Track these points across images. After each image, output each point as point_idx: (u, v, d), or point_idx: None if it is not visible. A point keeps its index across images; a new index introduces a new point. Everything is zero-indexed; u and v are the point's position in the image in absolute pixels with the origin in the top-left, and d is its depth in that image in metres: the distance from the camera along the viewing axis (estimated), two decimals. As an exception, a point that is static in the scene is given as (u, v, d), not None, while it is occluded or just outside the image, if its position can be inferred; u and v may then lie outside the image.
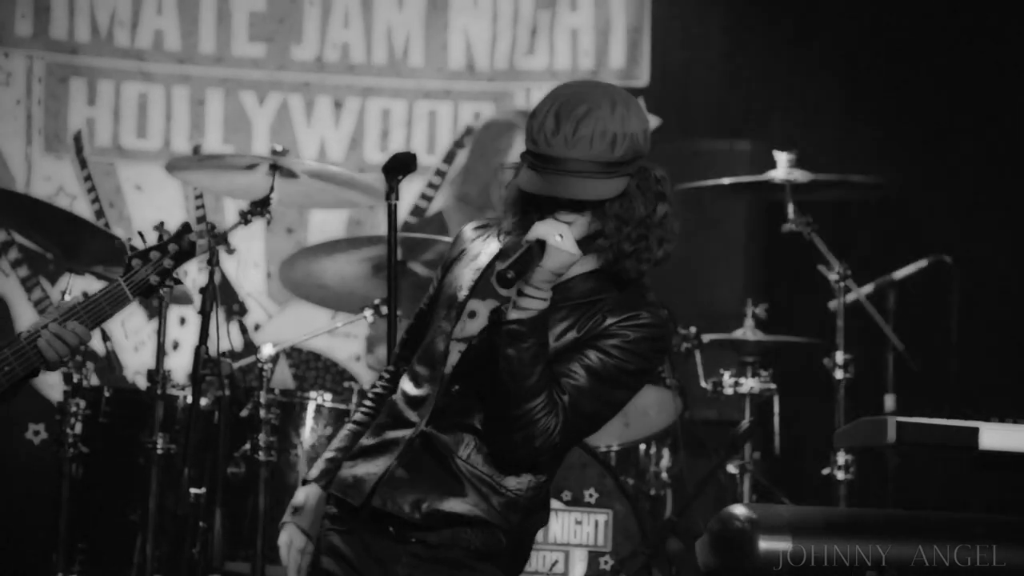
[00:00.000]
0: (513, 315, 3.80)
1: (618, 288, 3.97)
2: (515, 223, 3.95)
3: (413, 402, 4.06)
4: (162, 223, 4.85)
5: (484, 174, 8.21)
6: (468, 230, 4.21)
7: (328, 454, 4.25)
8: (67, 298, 6.52)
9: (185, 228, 4.83)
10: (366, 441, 4.11)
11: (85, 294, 4.99)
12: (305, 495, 4.22)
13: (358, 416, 4.28)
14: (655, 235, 3.93)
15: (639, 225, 3.89)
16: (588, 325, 3.95)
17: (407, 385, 4.10)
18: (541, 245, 3.76)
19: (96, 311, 4.61)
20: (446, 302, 4.08)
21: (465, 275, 4.07)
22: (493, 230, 4.14)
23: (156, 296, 4.86)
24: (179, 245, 4.76)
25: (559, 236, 3.76)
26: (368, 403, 4.29)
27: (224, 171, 7.14)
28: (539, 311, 3.81)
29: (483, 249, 4.10)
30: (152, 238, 4.83)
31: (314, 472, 4.22)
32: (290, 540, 4.21)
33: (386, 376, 4.34)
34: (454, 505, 3.97)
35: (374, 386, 4.34)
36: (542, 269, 3.77)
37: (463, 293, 4.03)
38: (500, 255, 3.98)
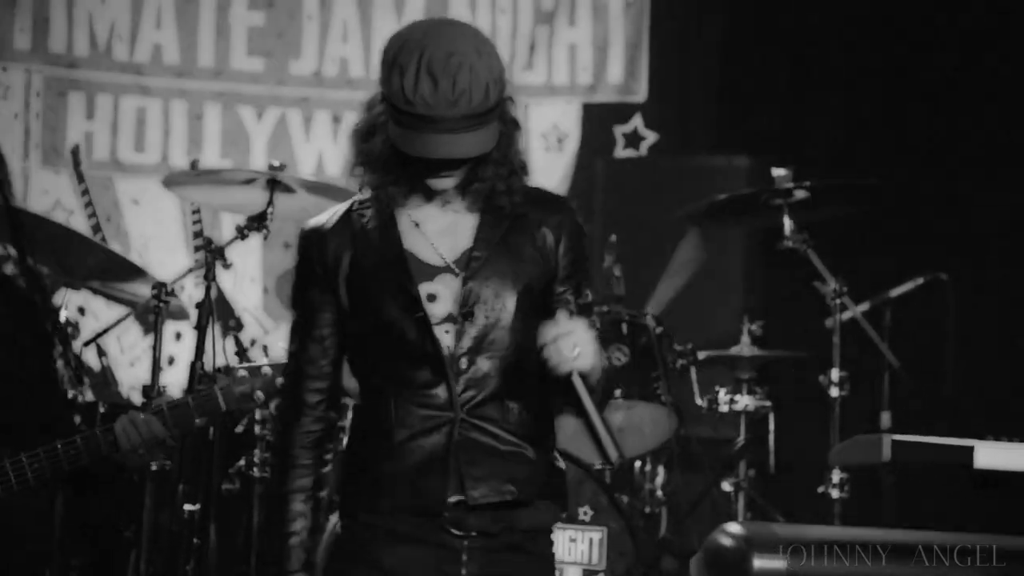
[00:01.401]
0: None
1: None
2: (379, 181, 3.86)
3: (425, 399, 3.88)
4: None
5: None
6: (317, 233, 3.98)
7: (295, 539, 3.96)
8: (64, 313, 6.54)
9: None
10: (397, 462, 3.90)
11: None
12: None
13: (300, 483, 3.99)
14: (519, 164, 3.90)
15: (509, 161, 3.88)
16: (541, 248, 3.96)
17: (400, 391, 3.90)
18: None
19: (181, 417, 4.72)
20: (384, 298, 3.88)
21: (385, 267, 3.90)
22: (346, 215, 3.97)
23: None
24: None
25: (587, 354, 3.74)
26: (306, 458, 3.99)
27: (221, 186, 7.14)
28: None
29: (376, 236, 3.93)
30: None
31: (295, 564, 3.95)
32: None
33: (311, 417, 4.00)
34: (519, 484, 3.88)
35: (301, 432, 3.99)
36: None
37: (409, 282, 3.88)
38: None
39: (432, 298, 3.87)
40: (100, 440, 4.62)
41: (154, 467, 6.62)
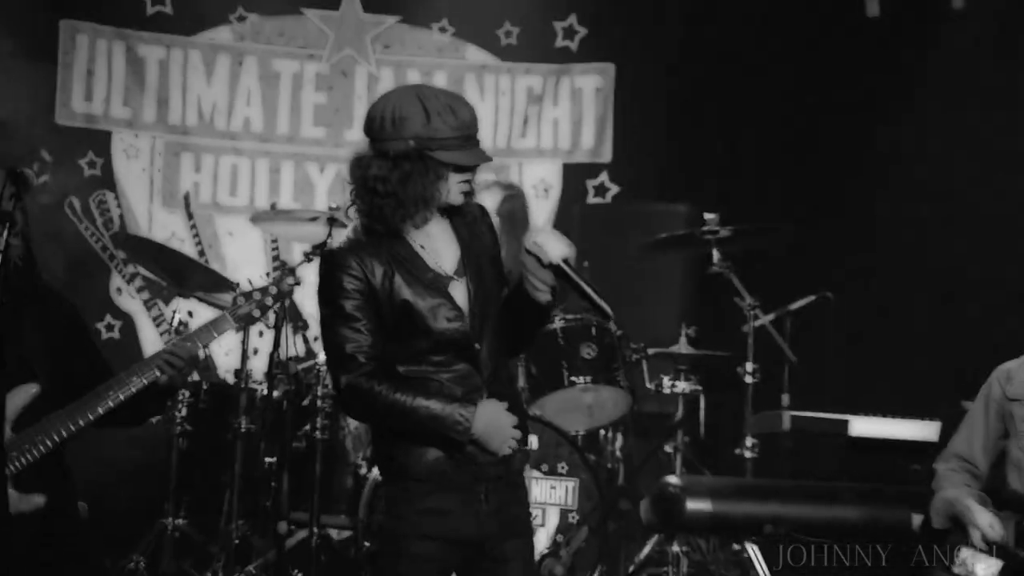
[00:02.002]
0: (546, 299, 3.77)
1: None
2: (399, 213, 3.78)
3: (460, 380, 3.82)
4: (284, 272, 4.91)
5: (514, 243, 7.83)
6: (354, 252, 3.81)
7: (426, 411, 3.76)
8: (176, 315, 6.56)
9: (283, 273, 4.92)
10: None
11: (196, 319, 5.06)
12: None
13: (386, 394, 3.76)
14: None
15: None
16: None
17: (440, 374, 3.81)
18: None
19: (204, 334, 4.67)
20: (419, 304, 3.78)
21: (419, 279, 3.82)
22: (368, 240, 3.82)
23: (254, 324, 4.93)
24: (279, 288, 4.84)
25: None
26: (377, 384, 3.77)
27: (293, 222, 7.13)
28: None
29: (402, 255, 3.84)
30: (256, 279, 4.94)
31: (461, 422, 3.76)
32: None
33: (365, 372, 3.79)
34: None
35: (362, 376, 3.78)
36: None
37: (440, 288, 3.83)
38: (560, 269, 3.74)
39: (452, 299, 3.85)
40: (141, 372, 4.51)
41: (243, 429, 6.68)
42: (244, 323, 4.79)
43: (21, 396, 4.38)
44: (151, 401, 4.63)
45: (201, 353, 4.68)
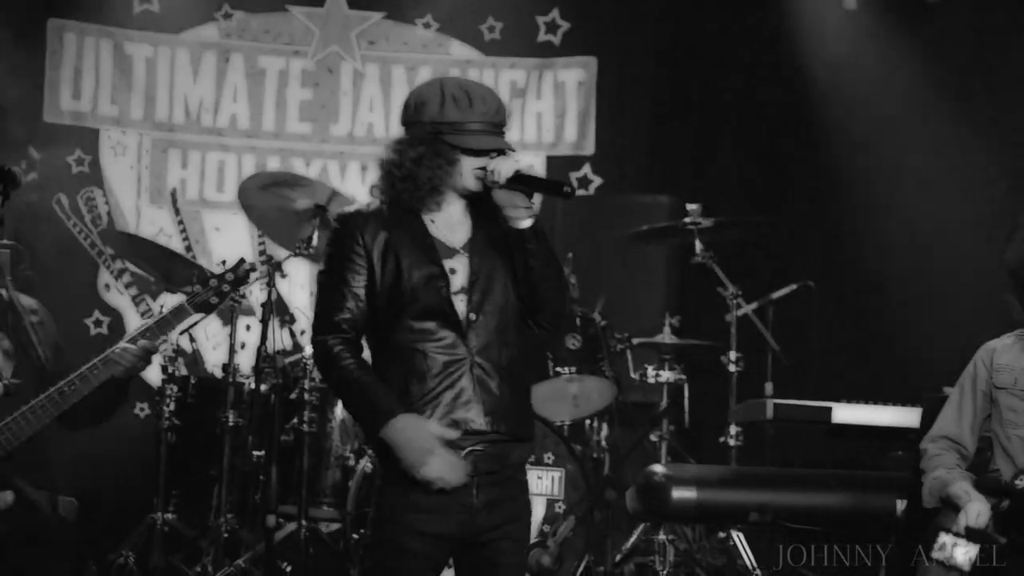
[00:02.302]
0: (529, 223, 3.83)
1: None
2: (415, 192, 3.84)
3: (446, 350, 3.81)
4: (240, 261, 4.91)
5: None
6: (360, 216, 3.89)
7: (376, 392, 3.77)
8: (164, 309, 6.57)
9: (240, 262, 4.93)
10: (431, 398, 3.79)
11: (161, 308, 5.09)
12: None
13: (348, 362, 3.80)
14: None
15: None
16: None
17: (426, 345, 3.81)
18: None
19: (163, 323, 4.70)
20: (414, 271, 3.82)
21: (415, 248, 3.86)
22: (379, 209, 3.88)
23: (213, 311, 4.93)
24: (235, 274, 4.85)
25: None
26: (345, 351, 3.82)
27: (281, 191, 6.87)
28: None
29: (407, 225, 3.89)
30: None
31: (390, 404, 3.77)
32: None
33: (341, 336, 3.84)
34: (511, 419, 3.85)
35: (336, 341, 3.82)
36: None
37: (436, 259, 3.86)
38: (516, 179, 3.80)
39: (452, 271, 3.86)
40: (100, 367, 4.57)
41: (230, 423, 6.65)
42: (203, 311, 4.83)
43: None
44: (113, 393, 4.66)
45: (157, 345, 4.71)
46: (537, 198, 3.90)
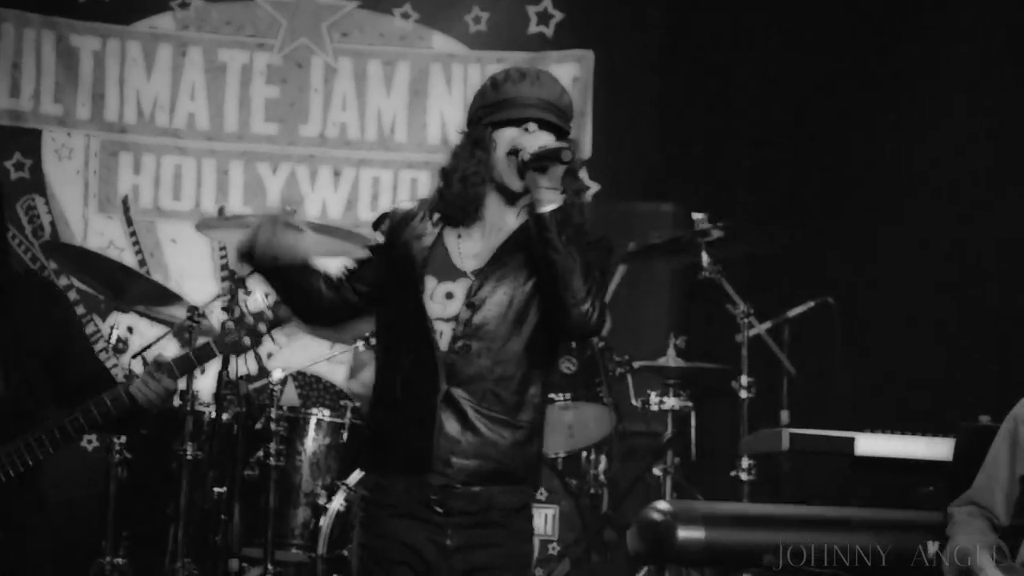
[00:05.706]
0: (551, 207, 3.79)
1: None
2: (460, 198, 3.91)
3: (422, 375, 3.85)
4: (266, 296, 4.78)
5: None
6: (396, 214, 4.04)
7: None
8: (115, 332, 6.54)
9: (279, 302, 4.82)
10: (398, 424, 3.86)
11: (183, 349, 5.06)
12: None
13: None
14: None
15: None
16: None
17: (402, 356, 3.88)
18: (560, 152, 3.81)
19: (183, 365, 4.64)
20: (404, 287, 3.91)
21: (414, 263, 3.92)
22: (418, 211, 3.98)
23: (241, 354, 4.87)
24: (276, 313, 4.68)
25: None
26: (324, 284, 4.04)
27: (244, 228, 7.05)
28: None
29: (422, 232, 3.96)
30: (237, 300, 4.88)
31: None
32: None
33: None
34: (493, 460, 3.84)
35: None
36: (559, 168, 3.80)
37: (420, 278, 3.90)
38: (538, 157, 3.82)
39: (450, 296, 3.86)
40: (122, 396, 4.54)
41: (188, 457, 6.65)
42: (232, 352, 4.71)
43: None
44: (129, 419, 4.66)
45: (176, 385, 4.65)
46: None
